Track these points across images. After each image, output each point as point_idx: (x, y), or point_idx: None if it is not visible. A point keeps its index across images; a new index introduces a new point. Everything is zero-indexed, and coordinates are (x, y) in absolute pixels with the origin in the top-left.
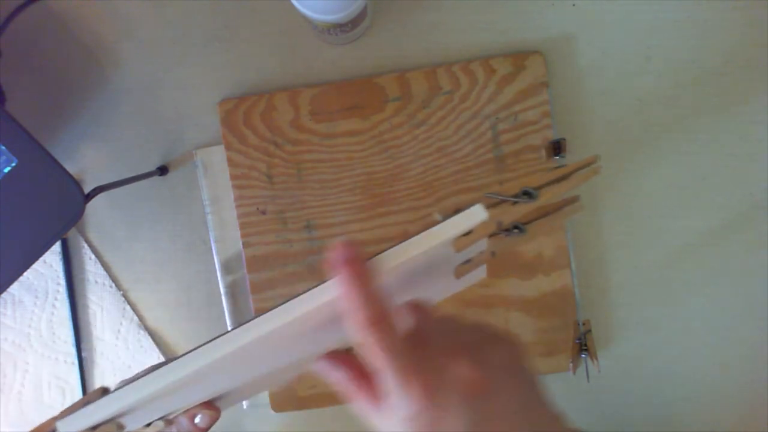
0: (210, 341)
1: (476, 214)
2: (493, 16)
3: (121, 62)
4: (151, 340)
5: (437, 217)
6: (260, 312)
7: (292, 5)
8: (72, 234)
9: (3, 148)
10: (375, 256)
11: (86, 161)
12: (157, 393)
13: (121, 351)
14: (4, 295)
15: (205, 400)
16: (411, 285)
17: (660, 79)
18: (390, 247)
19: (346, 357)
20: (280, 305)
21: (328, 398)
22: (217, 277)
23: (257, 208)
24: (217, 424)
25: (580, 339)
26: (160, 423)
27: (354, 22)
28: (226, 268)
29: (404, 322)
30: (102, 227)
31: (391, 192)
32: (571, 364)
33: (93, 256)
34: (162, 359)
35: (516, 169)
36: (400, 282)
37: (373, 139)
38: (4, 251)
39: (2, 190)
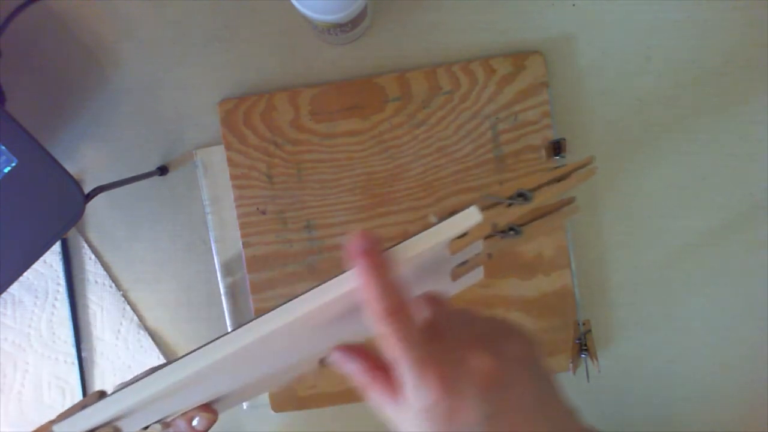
0: (210, 342)
1: (471, 217)
2: (493, 16)
3: (121, 62)
4: (151, 340)
5: (432, 219)
6: (260, 312)
7: (292, 5)
8: (72, 234)
9: (3, 148)
10: (387, 249)
11: (86, 161)
12: (157, 395)
13: (121, 351)
14: (4, 295)
15: (204, 402)
16: (411, 286)
17: (660, 79)
18: (394, 245)
19: (361, 348)
20: (281, 305)
21: (328, 398)
22: (217, 277)
23: (257, 208)
24: (217, 424)
25: (580, 339)
26: (158, 426)
27: (354, 22)
28: (226, 268)
29: (420, 314)
30: (102, 227)
31: (391, 192)
32: (571, 364)
33: (93, 256)
34: (162, 359)
35: (516, 169)
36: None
37: (373, 139)
38: (4, 251)
39: (2, 190)
